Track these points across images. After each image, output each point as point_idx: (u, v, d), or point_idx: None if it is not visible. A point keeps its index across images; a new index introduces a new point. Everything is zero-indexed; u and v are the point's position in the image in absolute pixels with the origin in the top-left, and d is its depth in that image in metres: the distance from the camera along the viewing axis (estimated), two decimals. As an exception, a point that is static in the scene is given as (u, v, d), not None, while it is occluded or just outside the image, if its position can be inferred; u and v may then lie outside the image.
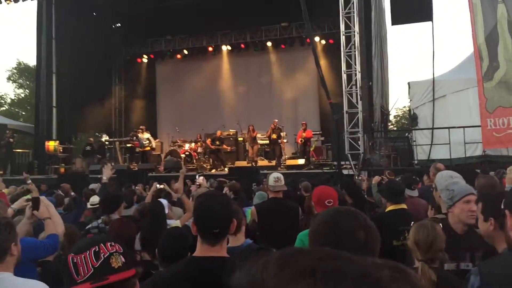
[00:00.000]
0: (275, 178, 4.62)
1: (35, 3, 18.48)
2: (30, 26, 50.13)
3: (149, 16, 20.54)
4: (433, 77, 13.45)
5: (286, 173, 13.26)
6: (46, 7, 18.62)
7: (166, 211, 4.94)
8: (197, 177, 7.90)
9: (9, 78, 35.59)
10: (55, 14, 18.87)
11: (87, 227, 4.70)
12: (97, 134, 26.46)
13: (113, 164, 17.41)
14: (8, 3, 16.31)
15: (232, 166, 15.89)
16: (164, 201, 5.08)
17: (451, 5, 53.81)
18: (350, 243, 1.23)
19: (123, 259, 1.70)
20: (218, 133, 16.94)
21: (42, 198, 4.61)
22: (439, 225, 2.51)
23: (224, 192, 7.30)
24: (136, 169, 16.03)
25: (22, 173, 10.20)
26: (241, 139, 17.79)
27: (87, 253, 1.68)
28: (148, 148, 17.09)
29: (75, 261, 1.69)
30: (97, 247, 1.68)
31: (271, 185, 4.61)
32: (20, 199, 4.75)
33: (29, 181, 7.49)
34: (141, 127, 17.57)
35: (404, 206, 3.76)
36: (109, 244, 1.71)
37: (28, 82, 34.31)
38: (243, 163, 16.08)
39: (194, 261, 1.99)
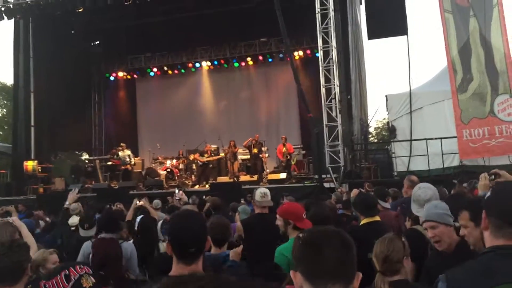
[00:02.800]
0: (262, 193, 4.59)
1: (12, 22, 18.32)
2: (7, 45, 49.60)
3: (128, 33, 20.57)
4: (410, 90, 13.69)
5: (268, 188, 13.32)
6: (23, 26, 18.46)
7: None
8: (176, 191, 7.88)
9: (-15, 98, 35.07)
10: (33, 33, 18.69)
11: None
12: (77, 152, 26.24)
13: (93, 183, 17.32)
14: (-16, 23, 16.15)
15: (214, 182, 15.87)
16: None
17: (425, 19, 55.09)
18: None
19: (93, 280, 1.75)
20: (207, 147, 16.91)
21: (14, 219, 4.56)
22: (400, 238, 2.60)
23: (206, 208, 7.30)
24: (117, 187, 15.87)
25: None
26: (223, 154, 17.78)
27: (58, 278, 1.73)
28: (129, 166, 16.97)
29: (47, 286, 1.73)
30: (67, 270, 1.73)
31: (257, 201, 4.58)
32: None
33: None
34: (121, 144, 17.46)
35: (377, 218, 3.83)
36: (78, 267, 1.76)
37: (5, 102, 33.83)
38: (225, 179, 16.07)
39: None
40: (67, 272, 1.76)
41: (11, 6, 16.21)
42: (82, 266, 1.80)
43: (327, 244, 1.39)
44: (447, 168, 12.07)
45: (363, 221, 3.83)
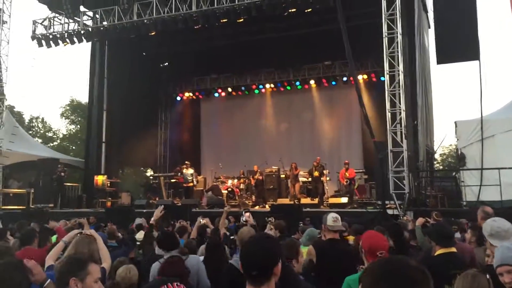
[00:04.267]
0: (334, 218, 4.55)
1: (89, 44, 19.53)
2: (83, 66, 52.93)
3: (195, 55, 21.30)
4: (481, 117, 13.14)
5: (328, 212, 13.17)
6: (99, 49, 19.67)
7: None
8: (243, 213, 7.95)
9: (62, 115, 37.34)
10: (108, 55, 19.91)
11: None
12: (142, 169, 27.25)
13: (157, 199, 17.86)
14: (65, 45, 17.31)
15: (274, 203, 15.88)
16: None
17: (498, 42, 52.82)
18: None
19: None
20: (255, 167, 17.14)
21: (92, 231, 4.79)
22: (484, 276, 2.50)
23: (268, 230, 7.31)
24: (180, 204, 16.27)
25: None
26: (284, 176, 17.81)
27: None
28: (192, 184, 17.38)
29: None
30: (165, 286, 1.86)
31: (329, 225, 4.53)
32: (71, 232, 4.93)
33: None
34: (186, 162, 17.94)
35: (454, 249, 3.69)
36: (176, 284, 1.88)
37: (80, 118, 35.83)
38: (285, 201, 16.06)
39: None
40: (165, 287, 1.88)
41: (90, 29, 17.28)
42: (179, 284, 1.93)
43: (420, 280, 1.36)
44: (522, 200, 11.41)
45: (439, 251, 3.71)
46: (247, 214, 6.75)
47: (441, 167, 34.80)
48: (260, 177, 16.93)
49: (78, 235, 4.67)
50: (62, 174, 17.56)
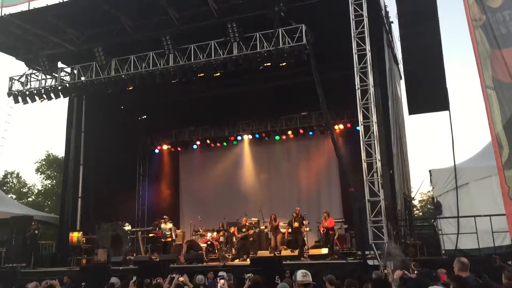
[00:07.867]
0: (303, 273, 4.62)
1: (67, 98, 19.45)
2: (60, 119, 52.50)
3: (173, 107, 21.50)
4: (454, 165, 13.40)
5: (309, 264, 13.03)
6: (77, 103, 19.65)
7: None
8: (218, 280, 7.80)
9: (37, 170, 36.60)
10: (85, 108, 19.85)
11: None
12: (120, 223, 26.63)
13: (134, 255, 17.40)
14: (41, 101, 17.26)
15: (254, 256, 15.61)
16: None
17: (467, 93, 54.61)
18: None
19: None
20: (243, 220, 16.90)
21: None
22: None
23: (246, 286, 7.15)
24: (158, 260, 15.86)
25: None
26: (264, 227, 17.63)
27: None
28: (170, 239, 17.04)
29: None
30: None
31: (299, 280, 4.56)
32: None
33: None
34: (164, 217, 17.64)
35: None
36: None
37: (55, 173, 35.17)
38: (266, 253, 15.81)
39: None
40: None
41: (67, 85, 17.32)
42: None
43: None
44: (499, 247, 11.49)
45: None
46: (222, 281, 6.64)
47: (420, 214, 35.05)
48: (248, 232, 16.67)
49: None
50: (36, 231, 17.05)
